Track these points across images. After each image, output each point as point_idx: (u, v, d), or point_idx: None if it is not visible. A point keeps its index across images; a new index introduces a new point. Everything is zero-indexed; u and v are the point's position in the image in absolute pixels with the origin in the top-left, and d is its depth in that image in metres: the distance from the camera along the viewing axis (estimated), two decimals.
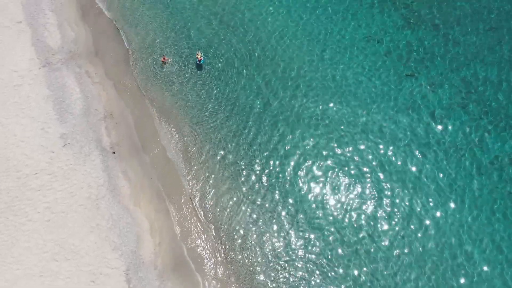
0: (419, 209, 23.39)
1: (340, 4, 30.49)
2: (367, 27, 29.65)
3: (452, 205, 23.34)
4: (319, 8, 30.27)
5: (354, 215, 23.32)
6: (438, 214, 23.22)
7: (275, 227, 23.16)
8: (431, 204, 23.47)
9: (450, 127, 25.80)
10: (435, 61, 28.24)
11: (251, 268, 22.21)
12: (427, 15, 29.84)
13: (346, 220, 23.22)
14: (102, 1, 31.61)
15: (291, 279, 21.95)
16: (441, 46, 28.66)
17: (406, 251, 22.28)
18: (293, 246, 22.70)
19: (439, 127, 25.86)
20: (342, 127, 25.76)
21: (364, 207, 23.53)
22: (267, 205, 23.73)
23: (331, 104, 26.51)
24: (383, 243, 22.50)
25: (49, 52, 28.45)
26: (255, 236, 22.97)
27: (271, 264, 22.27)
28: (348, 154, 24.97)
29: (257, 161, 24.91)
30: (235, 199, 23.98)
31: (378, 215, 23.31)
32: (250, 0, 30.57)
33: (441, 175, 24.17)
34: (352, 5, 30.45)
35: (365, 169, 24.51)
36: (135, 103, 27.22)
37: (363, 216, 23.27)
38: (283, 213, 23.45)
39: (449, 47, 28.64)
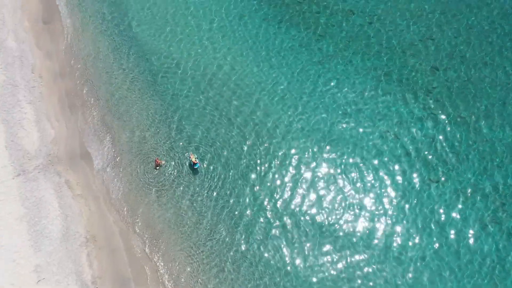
0: None
1: (351, 93, 28.72)
2: (384, 119, 27.41)
3: None
4: (326, 99, 28.34)
5: None
6: None
7: None
8: None
9: (484, 248, 23.48)
10: (462, 163, 25.78)
11: None
12: (451, 105, 27.70)
13: None
14: (87, 90, 29.11)
15: None
16: (469, 143, 26.31)
17: None
18: None
19: (467, 248, 23.49)
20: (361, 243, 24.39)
21: None
22: None
23: (342, 214, 25.08)
24: None
25: (24, 157, 25.55)
26: None
27: None
28: None
29: None
30: None
31: None
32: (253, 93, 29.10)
33: None
34: (362, 92, 28.56)
35: None
36: (122, 222, 24.89)
37: None
38: None
39: (478, 145, 26.37)
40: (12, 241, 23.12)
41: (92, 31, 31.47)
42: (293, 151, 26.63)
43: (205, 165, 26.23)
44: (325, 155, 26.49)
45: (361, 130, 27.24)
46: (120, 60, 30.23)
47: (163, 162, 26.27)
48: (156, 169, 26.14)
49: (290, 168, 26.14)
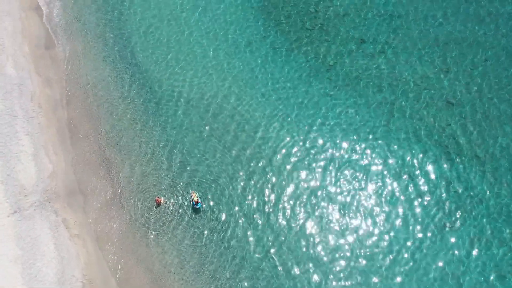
0: None
1: (361, 128, 27.25)
2: (395, 157, 25.89)
3: None
4: (335, 134, 26.98)
5: None
6: None
7: None
8: None
9: None
10: (482, 209, 24.19)
11: None
12: (466, 143, 26.17)
13: None
14: (87, 121, 28.21)
15: None
16: (488, 187, 24.65)
17: None
18: None
19: None
20: None
21: None
22: None
23: (354, 262, 23.78)
24: None
25: (21, 193, 24.61)
26: None
27: None
28: None
29: None
30: None
31: None
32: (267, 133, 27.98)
33: None
34: (374, 127, 27.12)
35: None
36: (120, 265, 23.90)
37: None
38: None
39: (500, 189, 24.58)
40: (5, 283, 22.20)
41: (93, 57, 30.54)
42: (301, 189, 25.50)
43: (207, 204, 25.15)
44: (335, 195, 25.28)
45: (373, 168, 25.94)
46: (121, 88, 29.27)
47: (164, 201, 25.21)
48: (156, 208, 25.12)
49: (298, 209, 24.94)
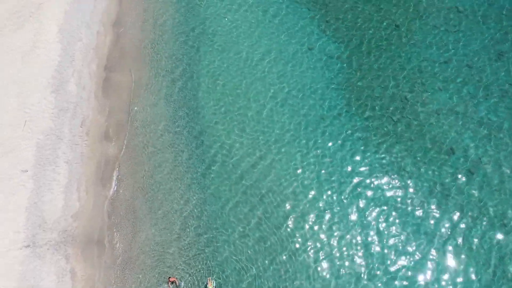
0: None
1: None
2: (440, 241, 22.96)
3: None
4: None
5: None
6: None
7: None
8: None
9: None
10: None
11: None
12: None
13: None
14: (128, 164, 26.47)
15: None
16: None
17: None
18: None
19: None
20: None
21: None
22: None
23: None
24: None
25: (40, 227, 23.53)
26: None
27: None
28: None
29: None
30: None
31: None
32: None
33: None
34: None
35: None
36: None
37: None
38: None
39: None
40: None
41: (157, 92, 28.91)
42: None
43: None
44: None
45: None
46: (175, 139, 27.21)
47: (179, 282, 23.10)
48: (169, 286, 23.07)
49: None
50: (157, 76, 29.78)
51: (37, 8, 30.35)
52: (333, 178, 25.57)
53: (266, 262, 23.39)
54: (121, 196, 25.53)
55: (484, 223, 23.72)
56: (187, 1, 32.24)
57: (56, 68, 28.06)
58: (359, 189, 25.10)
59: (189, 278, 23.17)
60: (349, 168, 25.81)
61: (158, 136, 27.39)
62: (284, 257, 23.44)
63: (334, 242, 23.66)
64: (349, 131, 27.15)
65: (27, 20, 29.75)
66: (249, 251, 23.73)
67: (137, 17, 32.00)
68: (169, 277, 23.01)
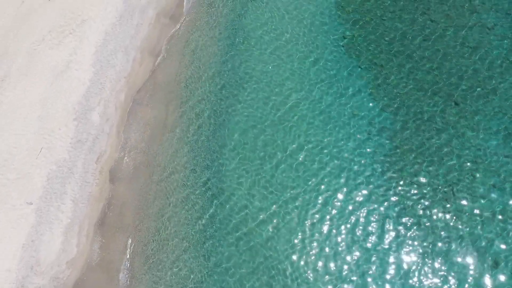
0: None
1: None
2: None
3: None
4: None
5: None
6: None
7: None
8: None
9: None
10: None
11: None
12: None
13: None
14: (134, 215, 24.74)
15: None
16: None
17: None
18: None
19: None
20: None
21: None
22: None
23: None
24: None
25: (32, 269, 22.37)
26: None
27: None
28: None
29: None
30: None
31: None
32: None
33: None
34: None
35: None
36: None
37: None
38: None
39: None
40: None
41: (178, 138, 27.08)
42: None
43: None
44: None
45: None
46: (192, 192, 25.30)
47: None
48: None
49: None
50: (182, 116, 27.91)
51: (79, 24, 29.22)
52: None
53: None
54: (115, 248, 24.06)
55: None
56: (231, 41, 29.96)
57: (84, 94, 26.80)
58: None
59: None
60: None
61: (171, 187, 25.61)
62: None
63: None
64: None
65: (67, 37, 28.73)
66: None
67: (177, 48, 30.19)
68: None
